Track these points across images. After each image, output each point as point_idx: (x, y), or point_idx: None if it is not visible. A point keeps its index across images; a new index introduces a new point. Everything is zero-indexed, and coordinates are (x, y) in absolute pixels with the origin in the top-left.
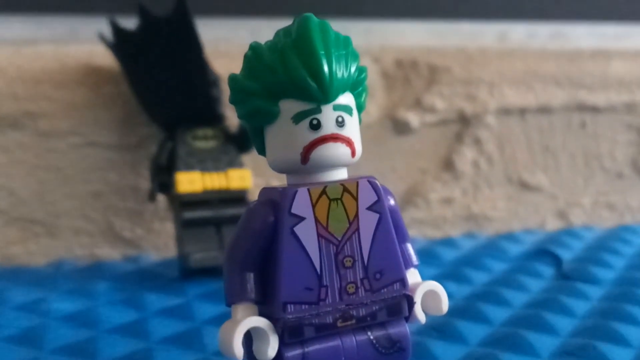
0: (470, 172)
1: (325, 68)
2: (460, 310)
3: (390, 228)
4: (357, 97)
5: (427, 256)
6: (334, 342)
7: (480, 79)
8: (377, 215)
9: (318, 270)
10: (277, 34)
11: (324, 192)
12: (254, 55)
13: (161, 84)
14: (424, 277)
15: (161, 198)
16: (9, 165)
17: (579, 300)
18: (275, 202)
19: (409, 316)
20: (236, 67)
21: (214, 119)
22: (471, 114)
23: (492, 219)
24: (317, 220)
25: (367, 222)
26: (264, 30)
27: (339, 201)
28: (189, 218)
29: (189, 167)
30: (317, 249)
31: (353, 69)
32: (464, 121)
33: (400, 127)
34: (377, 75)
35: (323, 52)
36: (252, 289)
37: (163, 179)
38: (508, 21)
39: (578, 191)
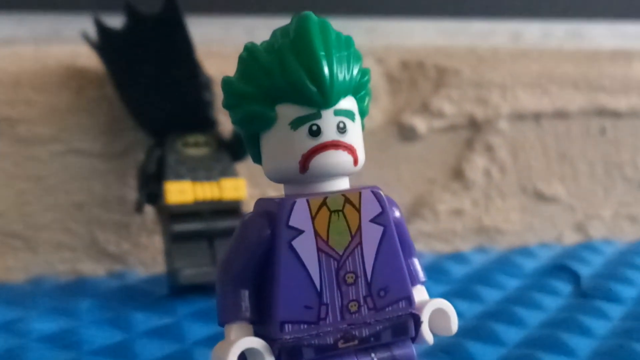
0: (481, 181)
1: (326, 70)
2: (471, 330)
3: (395, 242)
4: (360, 101)
5: (435, 272)
6: None
7: (492, 82)
8: (381, 228)
9: (318, 287)
10: (274, 33)
11: (324, 203)
12: (249, 56)
13: (149, 87)
14: (432, 295)
15: (149, 209)
16: None
17: (598, 320)
18: (271, 213)
19: (416, 337)
20: (230, 69)
21: (206, 124)
22: (482, 119)
23: (505, 232)
24: (316, 234)
25: (371, 236)
26: (260, 29)
27: (341, 213)
28: (178, 231)
29: (179, 176)
30: (316, 264)
31: (355, 71)
32: (474, 127)
33: (406, 133)
34: (381, 78)
35: (323, 53)
36: (247, 308)
37: (151, 189)
38: (522, 20)
39: (597, 202)
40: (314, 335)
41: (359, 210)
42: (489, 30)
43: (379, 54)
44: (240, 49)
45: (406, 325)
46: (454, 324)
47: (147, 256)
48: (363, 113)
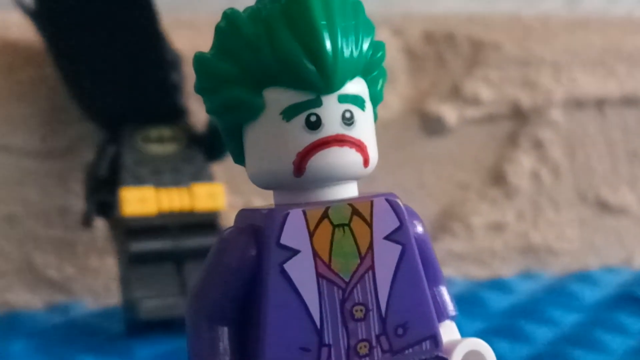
0: (528, 187)
1: (328, 44)
2: None
3: (417, 265)
4: (372, 84)
5: (469, 303)
6: None
7: (541, 59)
8: (399, 248)
9: (317, 323)
10: None
11: (325, 215)
12: (229, 26)
13: (101, 67)
14: (465, 333)
15: (100, 223)
16: None
17: None
18: (257, 229)
19: None
20: (204, 43)
21: (173, 114)
22: (529, 107)
23: (558, 253)
24: (315, 255)
25: (386, 257)
26: None
27: (347, 228)
28: (138, 251)
29: (139, 181)
30: (315, 293)
31: (366, 46)
32: (519, 117)
33: (432, 126)
34: (399, 54)
35: (324, 23)
36: (226, 350)
37: (102, 197)
38: None
39: None
40: None
41: (370, 225)
42: None
43: (397, 24)
44: (218, 18)
45: None
46: None
47: (98, 283)
48: (376, 99)
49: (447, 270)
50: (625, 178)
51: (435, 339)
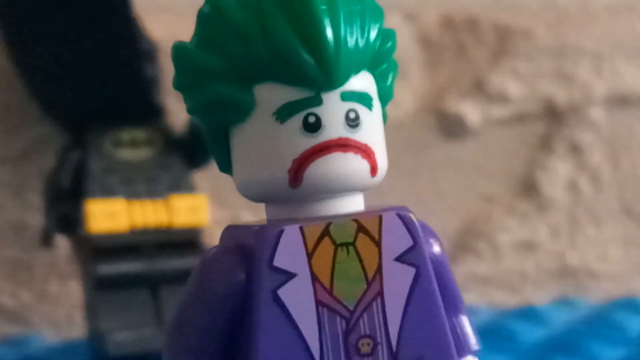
0: (564, 199)
1: (329, 32)
2: None
3: (433, 291)
4: (381, 79)
5: (496, 336)
6: None
7: (579, 49)
8: (413, 271)
9: (316, 358)
10: None
11: (326, 232)
12: (215, 12)
13: (63, 57)
14: None
15: (62, 242)
16: None
17: None
18: (246, 248)
19: None
20: (184, 30)
21: (148, 113)
22: (565, 105)
23: (600, 276)
24: (315, 279)
25: (397, 282)
26: None
27: (351, 247)
28: (106, 275)
29: (108, 192)
30: (314, 324)
31: (373, 34)
32: (553, 117)
33: (451, 127)
34: (412, 43)
35: (325, 7)
36: None
37: (65, 210)
38: None
39: None
40: None
41: (378, 244)
42: None
43: (410, 8)
44: (200, 2)
45: None
46: None
47: (59, 313)
48: (385, 97)
49: (469, 297)
50: None
51: None
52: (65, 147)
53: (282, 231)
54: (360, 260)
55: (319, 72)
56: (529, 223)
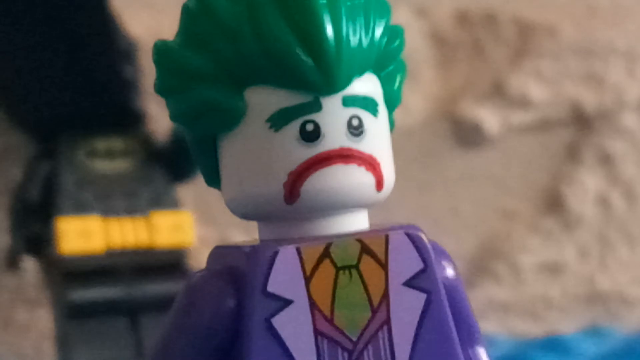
0: (593, 215)
1: (329, 29)
2: None
3: (446, 319)
4: (387, 81)
5: None
6: None
7: (610, 47)
8: (424, 297)
9: None
10: None
11: (326, 254)
12: (201, 6)
13: (31, 58)
14: None
15: (30, 264)
16: None
17: None
18: (237, 272)
19: None
20: (167, 27)
21: (127, 120)
22: (595, 110)
23: (634, 303)
24: (314, 306)
25: (406, 309)
26: None
27: (354, 270)
28: (80, 301)
29: (81, 208)
30: (313, 357)
31: (379, 32)
32: (581, 123)
33: (467, 135)
34: (423, 41)
35: (324, 1)
36: None
37: (33, 229)
38: None
39: None
40: None
41: (385, 267)
42: None
43: (420, 2)
44: None
45: None
46: None
47: (26, 344)
48: (392, 101)
49: (487, 326)
50: None
51: None
52: (33, 158)
53: (276, 252)
54: (365, 285)
55: (317, 74)
56: (554, 243)
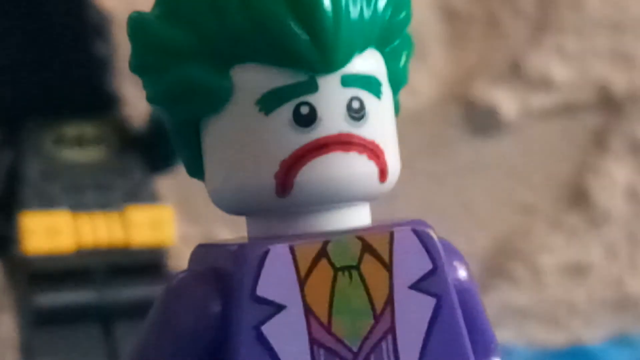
0: (622, 211)
1: (326, 0)
2: None
3: (457, 326)
4: (392, 59)
5: None
6: None
7: None
8: (433, 301)
9: None
10: None
11: (323, 253)
12: None
13: None
14: None
15: None
16: None
17: None
18: (223, 273)
19: None
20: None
21: (99, 103)
22: (624, 92)
23: None
24: (309, 312)
25: (413, 315)
26: None
27: (355, 272)
28: (47, 306)
29: (48, 202)
30: None
31: (382, 3)
32: (609, 107)
33: (481, 120)
34: (433, 15)
35: None
36: None
37: None
38: None
39: None
40: None
41: (389, 268)
42: None
43: None
44: None
45: None
46: None
47: None
48: (398, 81)
49: (504, 333)
50: None
51: None
52: None
53: (267, 252)
54: (366, 289)
55: (313, 50)
56: (578, 241)
